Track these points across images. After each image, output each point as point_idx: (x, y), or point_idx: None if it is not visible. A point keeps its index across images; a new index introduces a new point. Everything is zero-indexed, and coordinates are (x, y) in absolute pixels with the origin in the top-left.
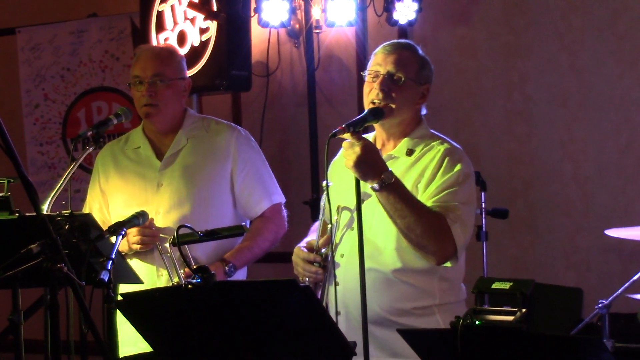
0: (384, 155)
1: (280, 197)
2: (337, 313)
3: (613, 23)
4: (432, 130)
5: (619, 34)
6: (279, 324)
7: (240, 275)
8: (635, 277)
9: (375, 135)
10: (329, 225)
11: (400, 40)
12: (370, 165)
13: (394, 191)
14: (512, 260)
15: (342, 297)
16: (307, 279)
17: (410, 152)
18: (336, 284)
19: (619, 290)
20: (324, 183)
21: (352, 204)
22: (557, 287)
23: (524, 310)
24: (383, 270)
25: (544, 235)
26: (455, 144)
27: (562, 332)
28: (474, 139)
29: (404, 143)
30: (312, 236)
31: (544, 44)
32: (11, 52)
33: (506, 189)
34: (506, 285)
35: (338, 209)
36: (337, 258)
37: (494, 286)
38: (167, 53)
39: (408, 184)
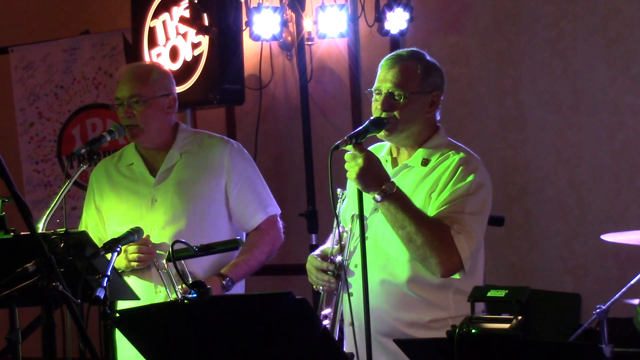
0: (398, 165)
1: (275, 209)
2: (351, 324)
3: (604, 28)
4: (449, 139)
5: (610, 39)
6: (276, 337)
7: (239, 288)
8: (632, 282)
9: (390, 145)
10: (344, 234)
11: (402, 51)
12: (372, 176)
13: (395, 201)
14: (510, 267)
15: (356, 308)
16: (320, 287)
17: (425, 162)
18: (350, 294)
19: (617, 295)
20: (338, 191)
21: (367, 213)
22: (555, 293)
23: (520, 317)
24: (396, 282)
25: (541, 242)
26: (472, 153)
27: (561, 338)
28: (468, 147)
29: (419, 153)
30: (328, 244)
31: (536, 51)
32: (4, 71)
33: (502, 195)
34: (501, 293)
35: (352, 217)
36: (351, 268)
37: (489, 294)
38: (144, 72)
39: (422, 194)
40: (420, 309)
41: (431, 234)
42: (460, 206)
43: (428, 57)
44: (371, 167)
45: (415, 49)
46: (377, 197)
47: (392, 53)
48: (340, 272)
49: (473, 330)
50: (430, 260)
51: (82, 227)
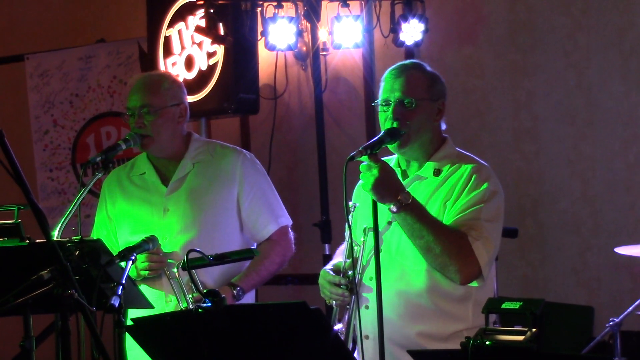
0: (410, 176)
1: (286, 220)
2: (365, 337)
3: (619, 41)
4: (458, 149)
5: (625, 52)
6: (289, 347)
7: (248, 298)
8: None
9: (399, 157)
10: (356, 247)
11: (405, 62)
12: (388, 187)
13: (412, 212)
14: (523, 279)
15: (372, 320)
16: (334, 301)
17: (437, 172)
18: (366, 307)
19: (630, 308)
20: (350, 204)
21: (380, 226)
22: (568, 306)
23: (534, 329)
24: (414, 293)
25: (554, 254)
26: (483, 162)
27: (574, 351)
28: (482, 158)
29: (430, 164)
30: (339, 258)
31: (550, 63)
32: (20, 79)
33: (515, 207)
34: (516, 305)
35: (365, 230)
36: (365, 281)
37: (503, 306)
38: (155, 82)
39: (436, 203)
40: (439, 321)
41: (449, 242)
42: (476, 213)
43: (428, 68)
44: (387, 177)
45: (415, 60)
46: (393, 207)
47: (394, 65)
48: (353, 286)
49: (487, 342)
50: (449, 267)
51: (93, 236)
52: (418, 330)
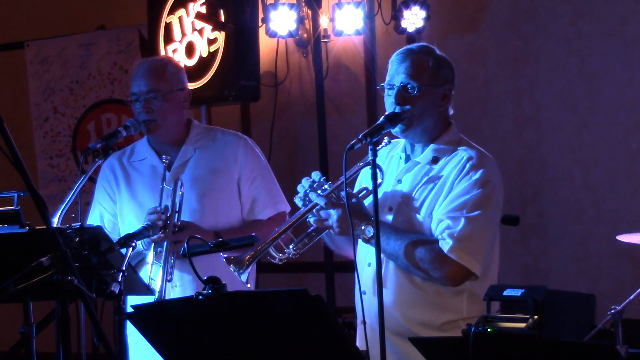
0: (409, 162)
1: (285, 206)
2: (363, 322)
3: (621, 28)
4: (461, 135)
5: (627, 39)
6: (290, 334)
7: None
8: None
9: (405, 142)
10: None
11: (412, 45)
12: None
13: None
14: (524, 267)
15: (368, 306)
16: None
17: (435, 160)
18: (362, 292)
19: (632, 296)
20: (362, 191)
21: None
22: (569, 294)
23: (535, 317)
24: (409, 282)
25: (555, 242)
26: (482, 151)
27: (575, 339)
28: (483, 146)
29: (430, 150)
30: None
31: (552, 50)
32: (20, 66)
33: (517, 195)
34: (518, 292)
35: None
36: (364, 267)
37: (505, 293)
38: (161, 67)
39: (427, 191)
40: (433, 311)
41: (420, 259)
42: (461, 207)
43: (438, 52)
44: (353, 208)
45: (424, 43)
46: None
47: (402, 48)
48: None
49: (489, 329)
50: (434, 279)
51: (94, 217)
52: (411, 318)
